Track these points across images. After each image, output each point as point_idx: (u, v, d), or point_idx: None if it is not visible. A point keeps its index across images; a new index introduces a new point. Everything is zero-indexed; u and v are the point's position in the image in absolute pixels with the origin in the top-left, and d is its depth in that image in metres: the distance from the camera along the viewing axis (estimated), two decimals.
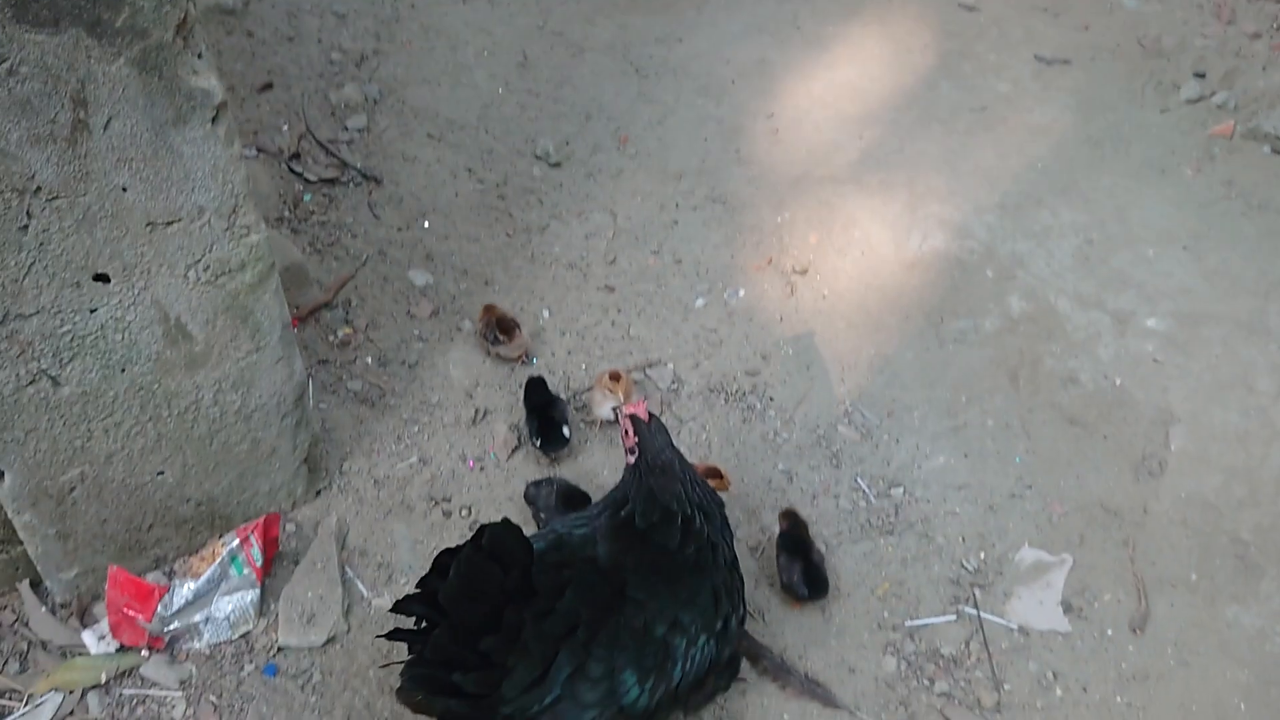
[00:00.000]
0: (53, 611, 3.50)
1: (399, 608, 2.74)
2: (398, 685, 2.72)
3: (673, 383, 4.19)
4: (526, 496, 3.78)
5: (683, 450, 3.13)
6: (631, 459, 3.04)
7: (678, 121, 5.26)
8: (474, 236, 4.70)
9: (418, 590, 2.75)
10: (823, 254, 4.65)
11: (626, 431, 3.07)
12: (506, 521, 2.69)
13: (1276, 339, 4.29)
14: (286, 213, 4.75)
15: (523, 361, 4.25)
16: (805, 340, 4.35)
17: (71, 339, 2.79)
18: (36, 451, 2.98)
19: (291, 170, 4.92)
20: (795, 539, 3.56)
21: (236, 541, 3.42)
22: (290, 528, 3.71)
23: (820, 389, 4.19)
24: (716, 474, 3.72)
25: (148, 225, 2.69)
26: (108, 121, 2.47)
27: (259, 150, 4.98)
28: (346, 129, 5.16)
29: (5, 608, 3.55)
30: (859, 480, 3.89)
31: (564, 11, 5.86)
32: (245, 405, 3.29)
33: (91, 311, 2.77)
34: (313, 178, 4.90)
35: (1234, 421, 3.99)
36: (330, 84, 5.37)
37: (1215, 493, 3.79)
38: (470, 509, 3.80)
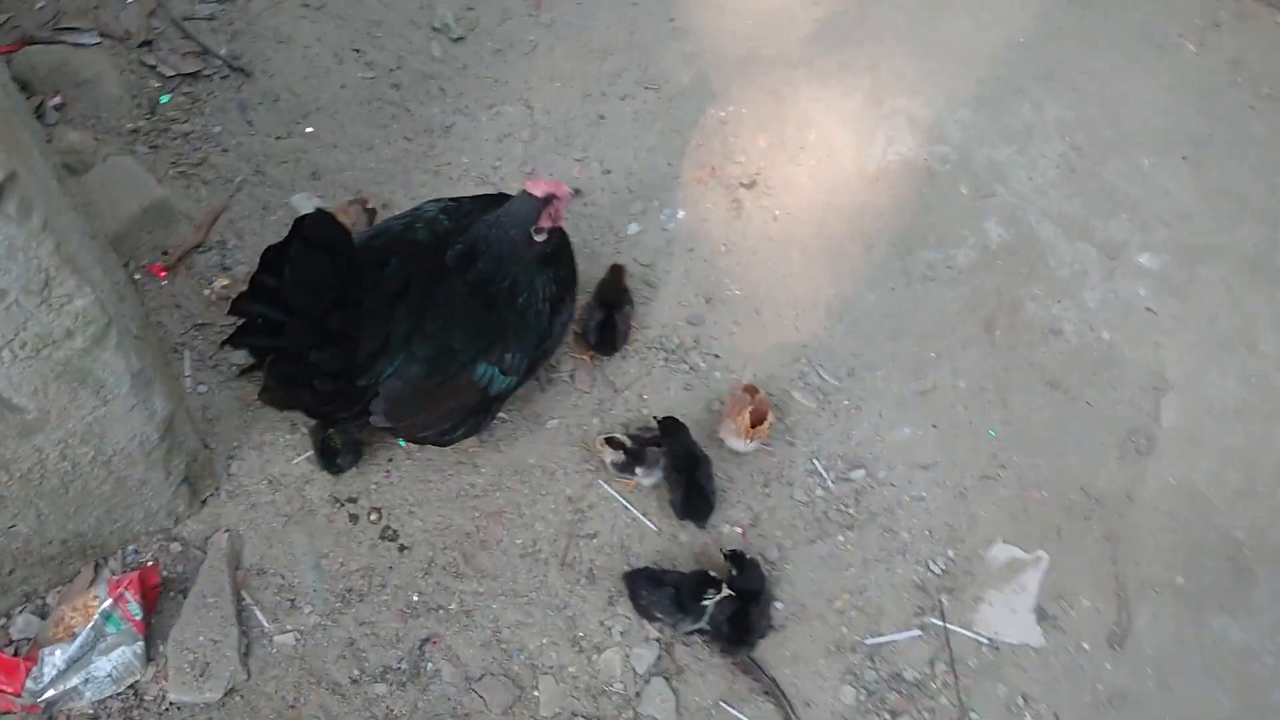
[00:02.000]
0: None
1: (237, 308, 2.87)
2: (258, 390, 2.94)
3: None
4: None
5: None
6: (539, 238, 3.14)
7: None
8: (367, 143, 4.06)
9: (253, 289, 2.85)
10: (774, 161, 4.08)
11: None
12: (320, 210, 2.85)
13: None
14: (142, 122, 4.05)
15: None
16: (755, 276, 3.88)
17: None
18: None
19: (143, 64, 4.16)
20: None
21: (110, 601, 3.06)
22: (175, 548, 3.34)
23: (772, 341, 3.77)
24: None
25: None
26: None
27: (103, 35, 4.19)
28: (205, 2, 4.35)
29: None
30: (816, 462, 3.54)
31: None
32: (100, 454, 2.92)
33: None
34: (170, 71, 4.16)
35: (1232, 390, 3.65)
36: None
37: (1208, 480, 3.50)
38: (381, 511, 3.42)
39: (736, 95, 4.22)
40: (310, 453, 3.50)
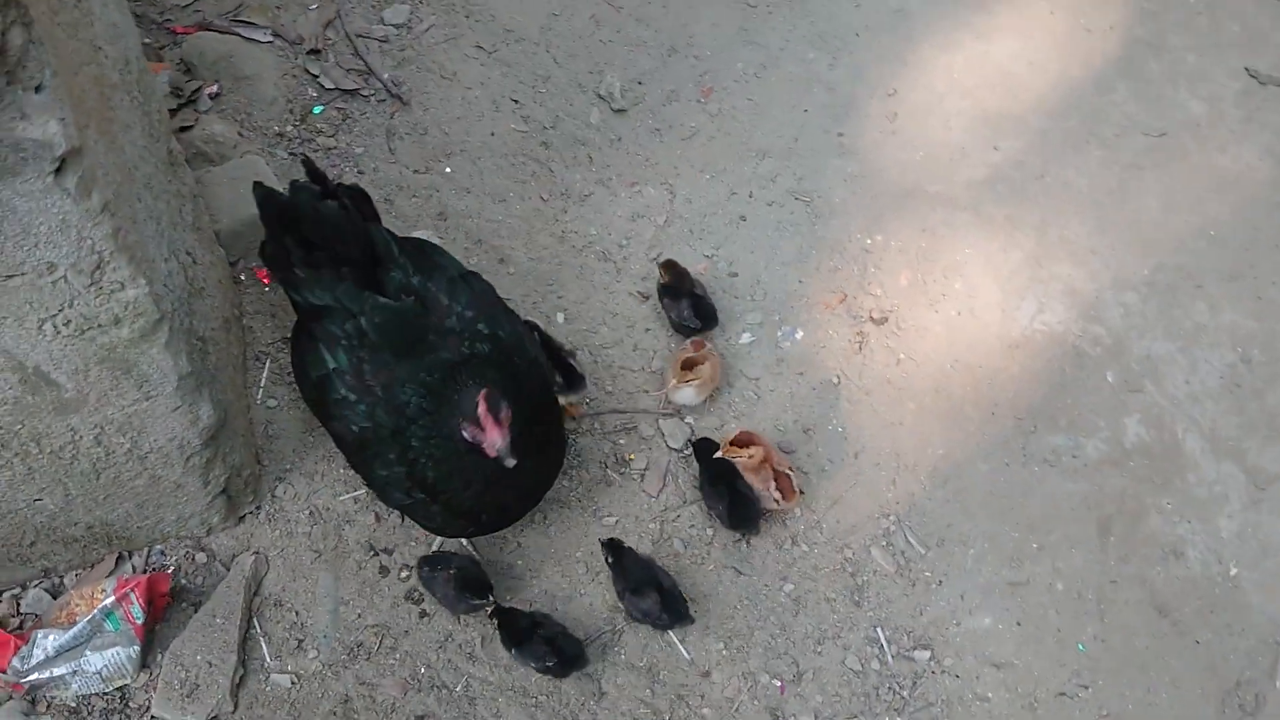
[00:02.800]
0: None
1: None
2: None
3: (684, 446, 3.52)
4: (420, 576, 3.24)
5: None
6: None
7: (778, 78, 4.36)
8: (500, 195, 3.97)
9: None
10: (911, 302, 3.83)
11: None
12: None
13: None
14: (289, 128, 4.06)
15: None
16: (862, 418, 3.62)
17: None
18: None
19: (307, 71, 4.18)
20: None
21: (113, 598, 2.98)
22: (200, 558, 3.25)
23: (864, 490, 3.50)
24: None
25: None
26: None
27: (276, 35, 4.24)
28: (383, 22, 4.38)
29: None
30: (879, 630, 3.25)
31: None
32: (137, 447, 2.85)
33: None
34: (329, 84, 4.18)
35: None
36: None
37: None
38: (411, 570, 3.25)
39: (888, 225, 4.00)
40: (359, 493, 3.38)
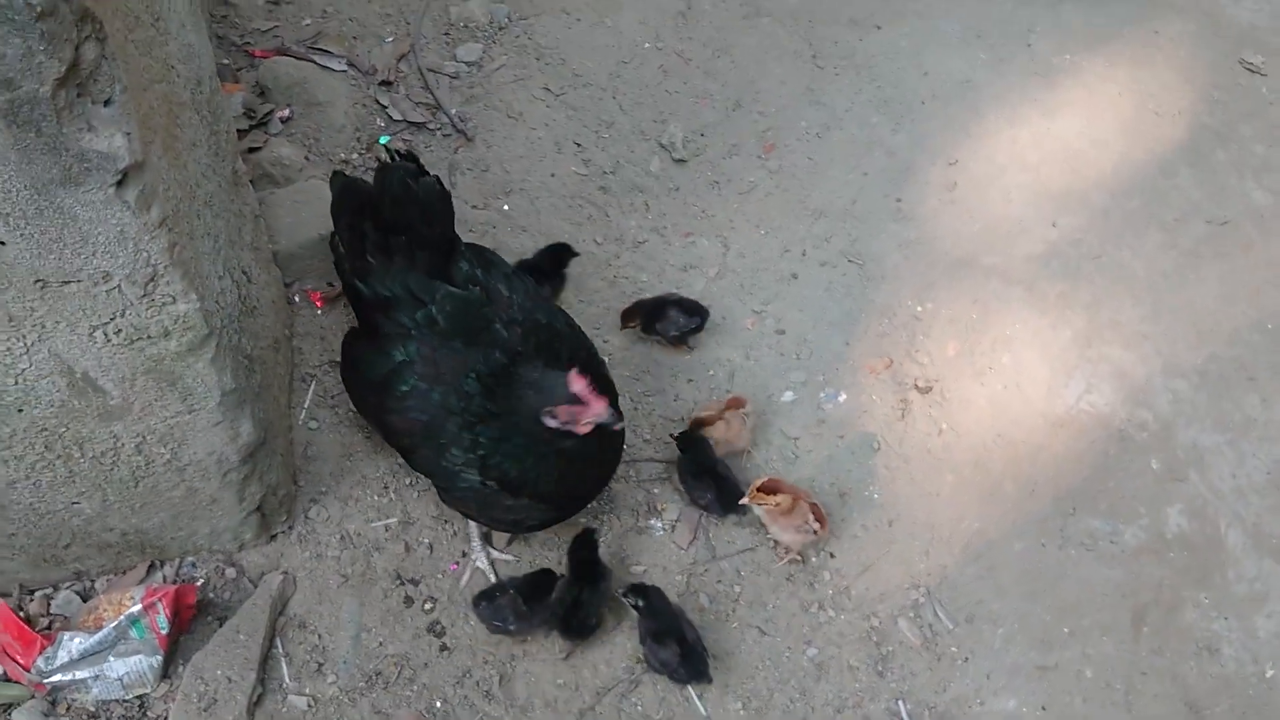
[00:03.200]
0: None
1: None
2: None
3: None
4: (479, 613, 3.24)
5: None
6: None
7: (840, 139, 4.38)
8: (556, 235, 4.02)
9: None
10: (957, 373, 3.81)
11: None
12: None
13: None
14: (355, 155, 4.15)
15: None
16: (899, 485, 3.60)
17: None
18: None
19: (377, 101, 4.27)
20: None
21: (140, 606, 3.01)
22: (230, 573, 3.29)
23: (895, 559, 3.47)
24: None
25: (37, 282, 2.28)
26: None
27: (350, 65, 4.33)
28: (456, 59, 4.46)
29: None
30: (901, 704, 3.21)
31: None
32: (176, 459, 2.90)
33: None
34: (398, 115, 4.26)
35: None
36: None
37: None
38: (437, 603, 3.27)
39: (939, 294, 3.98)
40: (392, 521, 3.41)
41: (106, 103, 2.05)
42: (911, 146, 4.37)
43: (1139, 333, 3.94)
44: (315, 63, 4.33)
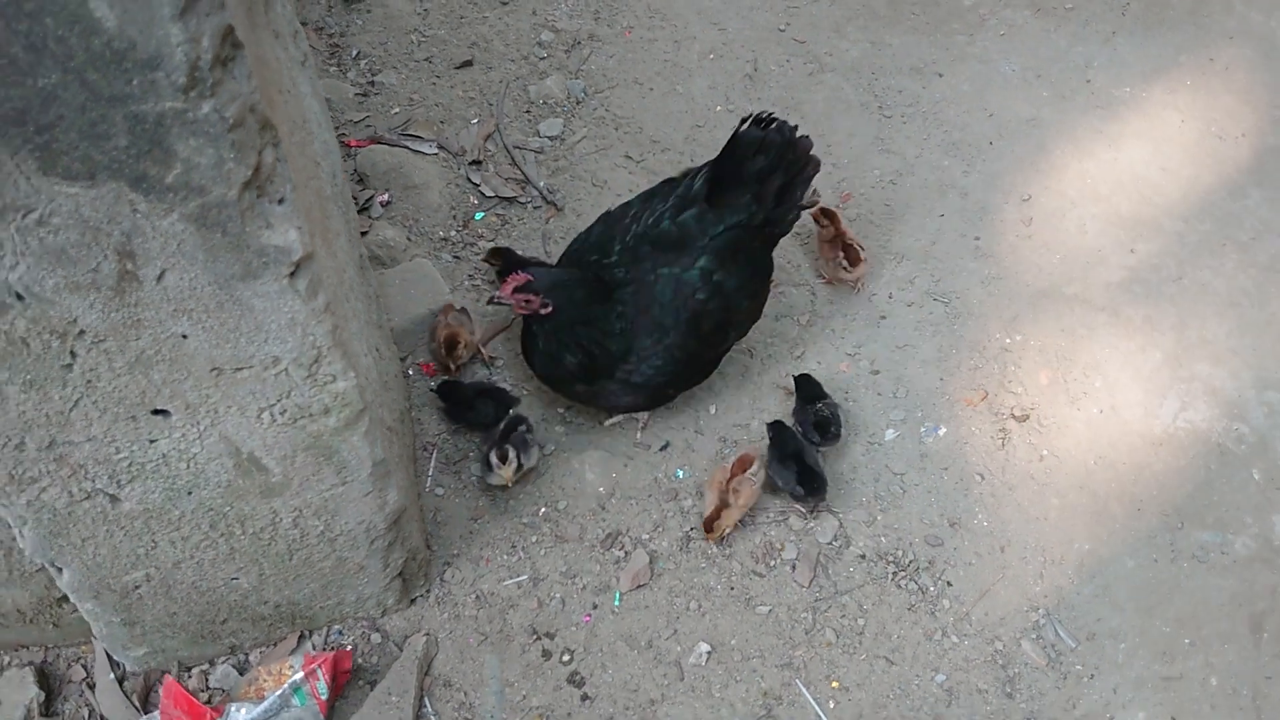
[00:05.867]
0: (121, 680, 3.36)
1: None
2: None
3: (834, 538, 3.65)
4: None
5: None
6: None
7: (914, 184, 4.55)
8: None
9: None
10: (1051, 400, 3.94)
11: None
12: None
13: None
14: (453, 233, 4.36)
15: None
16: (1007, 512, 3.72)
17: (130, 464, 2.63)
18: (96, 555, 2.87)
19: (469, 180, 4.50)
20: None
21: (301, 674, 3.18)
22: (375, 639, 3.46)
23: (1011, 583, 3.58)
24: None
25: (213, 370, 2.46)
26: (160, 274, 2.21)
27: (440, 148, 4.57)
28: (539, 134, 4.68)
29: (78, 661, 3.44)
30: None
31: (812, 13, 5.13)
32: (329, 530, 3.07)
33: (151, 442, 2.60)
34: (490, 192, 4.48)
35: None
36: (533, 71, 4.88)
37: None
38: (574, 654, 3.42)
39: (1026, 326, 4.12)
40: (522, 578, 3.57)
41: (280, 201, 2.23)
42: (984, 186, 4.54)
43: (1227, 349, 4.05)
44: (408, 148, 4.57)
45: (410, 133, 4.62)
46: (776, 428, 3.77)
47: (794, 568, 3.60)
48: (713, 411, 3.94)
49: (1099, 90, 4.82)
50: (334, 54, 4.88)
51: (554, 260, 4.09)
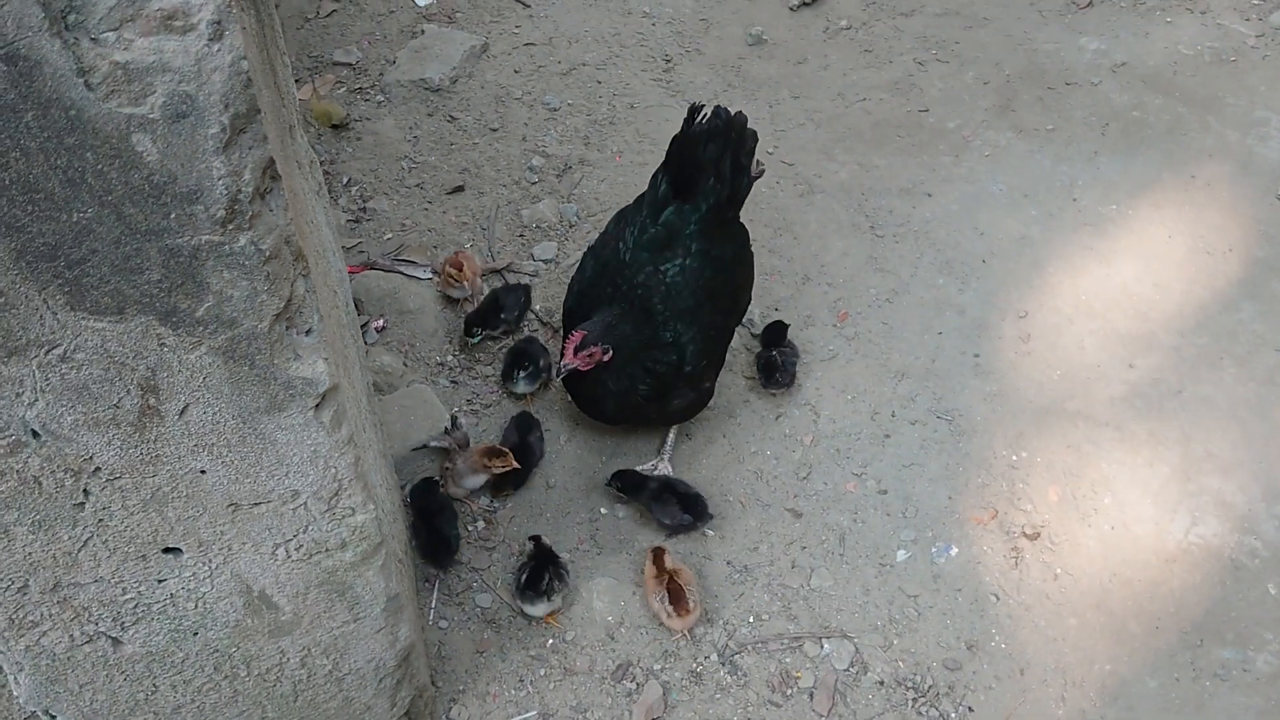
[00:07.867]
0: None
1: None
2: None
3: (851, 664, 3.60)
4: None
5: None
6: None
7: (910, 303, 4.61)
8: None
9: None
10: (1062, 518, 3.95)
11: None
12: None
13: None
14: (450, 358, 4.37)
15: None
16: (1024, 633, 3.69)
17: (135, 605, 2.56)
18: (93, 701, 2.78)
19: (464, 306, 4.51)
20: None
21: None
22: None
23: (1034, 707, 3.54)
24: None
25: (229, 506, 2.42)
26: (183, 409, 2.18)
27: (434, 273, 4.59)
28: (533, 258, 4.72)
29: None
30: None
31: (799, 138, 5.26)
32: (337, 670, 2.98)
33: (160, 582, 2.54)
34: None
35: None
36: (525, 196, 4.95)
37: None
38: None
39: (1031, 443, 4.15)
40: (531, 714, 3.49)
41: (308, 332, 2.21)
42: (980, 303, 4.61)
43: (1234, 461, 4.08)
44: (402, 273, 4.60)
45: (404, 258, 4.65)
46: (620, 477, 3.96)
47: (812, 696, 3.54)
48: (716, 536, 3.92)
49: (1086, 208, 4.94)
50: (325, 181, 4.92)
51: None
